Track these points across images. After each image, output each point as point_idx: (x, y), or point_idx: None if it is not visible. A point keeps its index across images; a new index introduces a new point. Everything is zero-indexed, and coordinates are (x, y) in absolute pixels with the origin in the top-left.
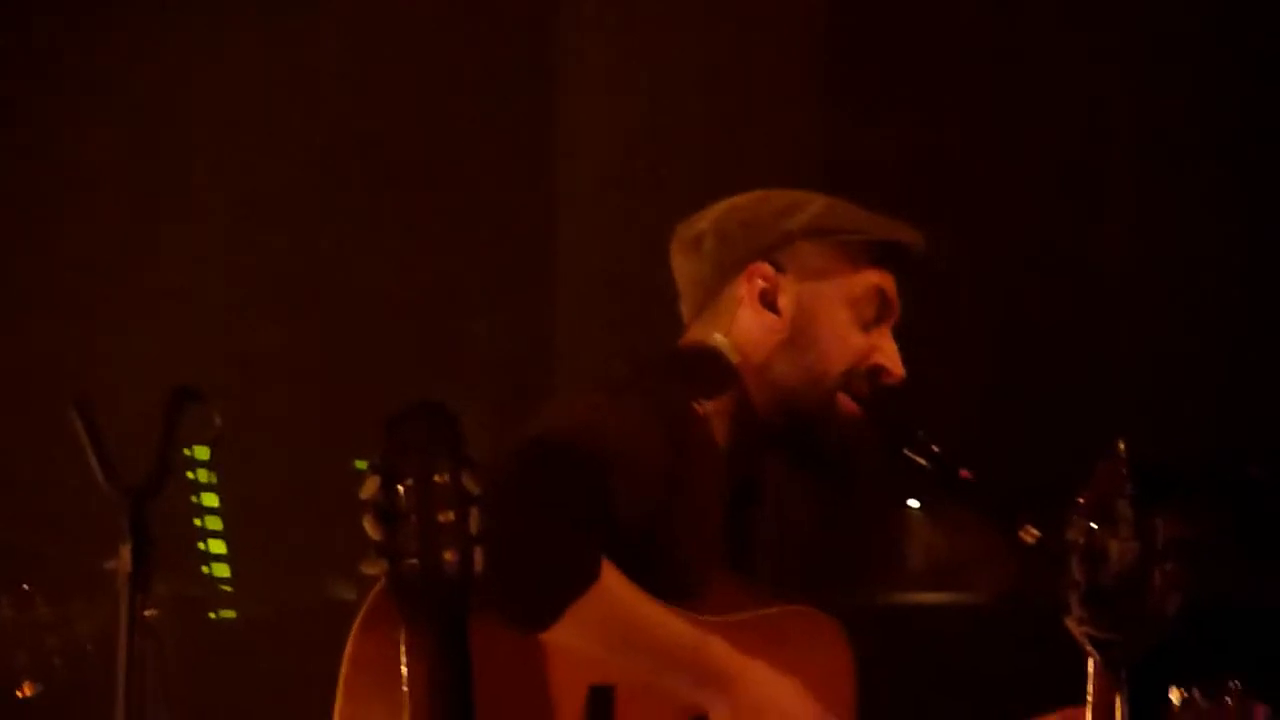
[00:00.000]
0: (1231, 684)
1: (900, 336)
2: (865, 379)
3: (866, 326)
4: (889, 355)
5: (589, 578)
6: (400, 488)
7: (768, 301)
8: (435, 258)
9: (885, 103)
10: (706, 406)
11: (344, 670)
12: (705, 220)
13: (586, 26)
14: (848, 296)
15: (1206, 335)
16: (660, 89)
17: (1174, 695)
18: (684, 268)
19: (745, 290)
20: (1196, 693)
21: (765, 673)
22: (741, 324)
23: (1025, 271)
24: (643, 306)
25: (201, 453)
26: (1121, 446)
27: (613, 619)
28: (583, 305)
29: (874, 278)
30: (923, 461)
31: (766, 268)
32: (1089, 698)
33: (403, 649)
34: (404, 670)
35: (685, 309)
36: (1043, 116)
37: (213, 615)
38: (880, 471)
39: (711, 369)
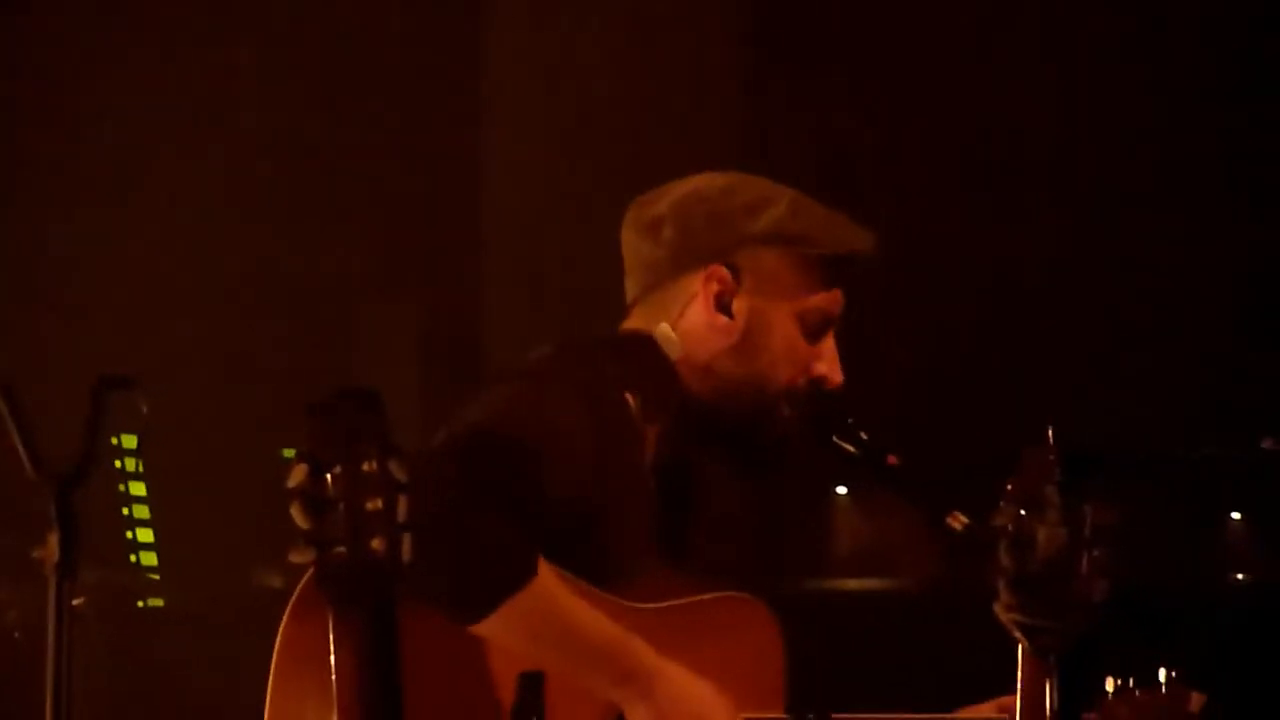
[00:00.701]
0: (1167, 672)
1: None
2: (805, 386)
3: (811, 337)
4: (830, 363)
5: (525, 575)
6: (328, 476)
7: (722, 305)
8: (361, 244)
9: (808, 88)
10: (638, 397)
11: (275, 660)
12: (665, 203)
13: (513, 11)
14: (800, 310)
15: (1132, 321)
16: (585, 72)
17: (1109, 684)
18: (637, 248)
19: (701, 289)
20: (1131, 681)
21: (682, 675)
22: (691, 320)
23: (951, 258)
24: (569, 289)
25: (129, 441)
26: (1049, 433)
27: (542, 616)
28: (509, 289)
29: (827, 300)
30: (851, 448)
31: (725, 272)
32: (1019, 684)
33: (330, 636)
34: (332, 659)
35: (630, 287)
36: (968, 103)
37: (141, 603)
38: (809, 461)
39: (648, 360)
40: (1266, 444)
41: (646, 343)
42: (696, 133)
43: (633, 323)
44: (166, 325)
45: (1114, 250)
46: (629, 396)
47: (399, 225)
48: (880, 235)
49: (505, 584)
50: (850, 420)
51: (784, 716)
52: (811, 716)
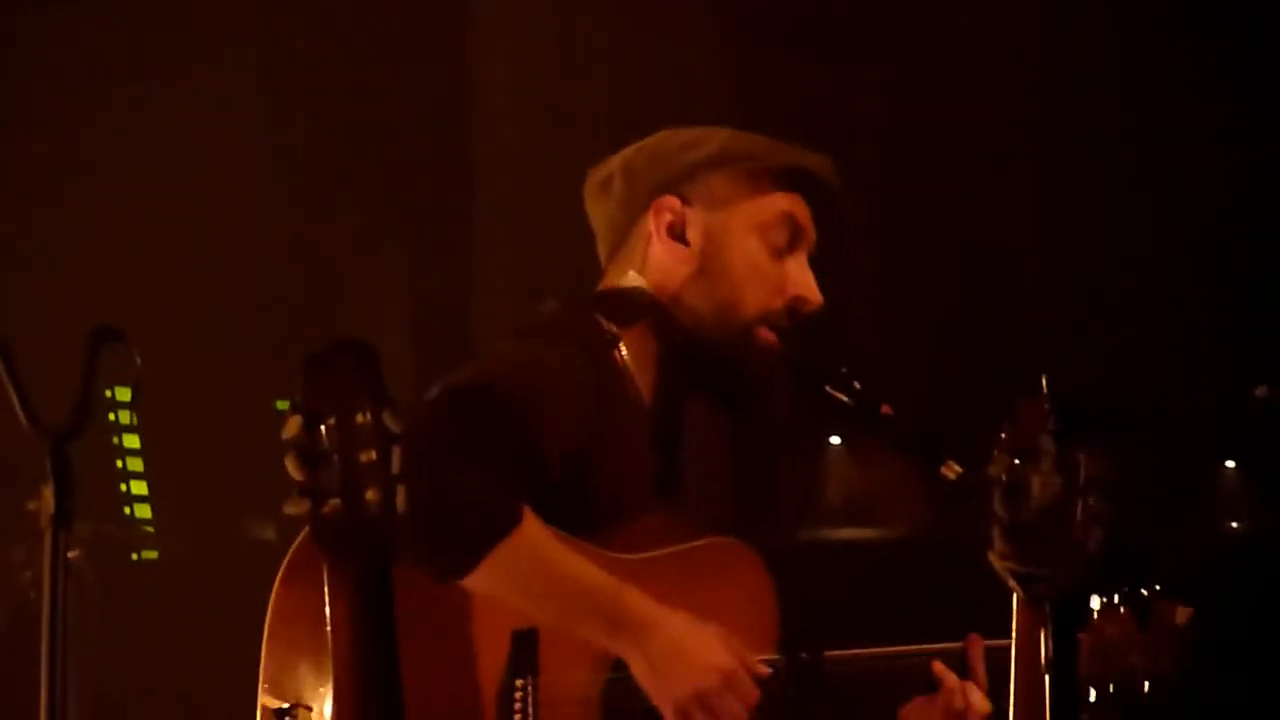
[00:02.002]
0: (1152, 588)
1: (822, 274)
2: (784, 311)
3: (780, 254)
4: (805, 284)
5: (509, 524)
6: (322, 428)
7: (676, 233)
8: (353, 199)
9: (797, 51)
10: (627, 347)
11: (268, 620)
12: (614, 162)
13: None
14: (757, 223)
15: (1129, 270)
16: (576, 33)
17: (1094, 602)
18: (596, 211)
19: (653, 224)
20: (1116, 598)
21: (680, 622)
22: (652, 259)
23: (944, 207)
24: (559, 245)
25: (124, 394)
26: (1043, 382)
27: (530, 567)
28: (499, 244)
29: (782, 203)
30: (845, 398)
31: (673, 200)
32: (1013, 633)
33: (325, 589)
34: (327, 611)
35: (601, 250)
36: (957, 58)
37: (135, 556)
38: (797, 405)
39: (630, 309)
40: (1259, 392)
41: (626, 294)
42: (686, 94)
43: (606, 281)
44: (162, 279)
45: (1109, 198)
46: (618, 349)
47: (390, 181)
48: (874, 186)
49: (488, 534)
50: (844, 370)
51: (777, 656)
52: (805, 654)
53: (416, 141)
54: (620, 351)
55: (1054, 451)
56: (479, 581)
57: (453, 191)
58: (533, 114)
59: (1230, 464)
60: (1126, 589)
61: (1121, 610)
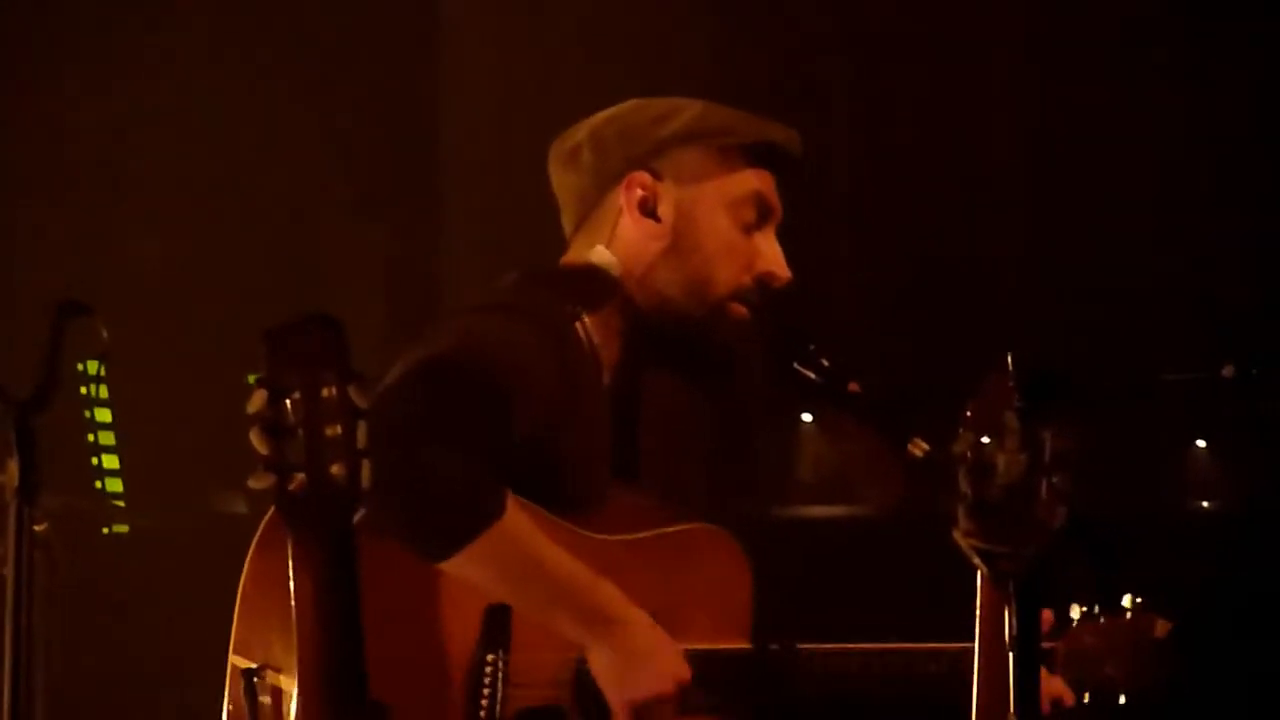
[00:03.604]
0: (1132, 598)
1: (790, 251)
2: (754, 286)
3: (749, 230)
4: (773, 258)
5: (493, 514)
6: (287, 402)
7: (647, 209)
8: (325, 172)
9: (771, 22)
10: (590, 323)
11: (241, 588)
12: (581, 132)
13: None
14: (727, 199)
15: (1098, 248)
16: (543, 3)
17: (1074, 611)
18: (563, 181)
19: (624, 199)
20: (1096, 608)
21: (647, 624)
22: (622, 234)
23: (912, 185)
24: (529, 215)
25: (94, 367)
26: (1009, 359)
27: (509, 554)
28: (468, 215)
29: (752, 180)
30: (812, 375)
31: (644, 176)
32: (978, 610)
33: (290, 563)
34: (291, 583)
35: (566, 222)
36: (932, 30)
37: (106, 530)
38: (768, 382)
39: (594, 286)
40: (1227, 371)
41: (589, 269)
42: (659, 62)
43: (572, 254)
44: (134, 252)
45: (1077, 175)
46: (581, 325)
47: (362, 154)
48: (845, 160)
49: (474, 523)
50: (811, 347)
51: (748, 646)
52: (775, 646)
53: (388, 114)
54: (583, 328)
55: (1019, 429)
56: (457, 566)
57: (424, 164)
58: (504, 85)
59: (1201, 443)
60: (1105, 599)
61: (1100, 620)
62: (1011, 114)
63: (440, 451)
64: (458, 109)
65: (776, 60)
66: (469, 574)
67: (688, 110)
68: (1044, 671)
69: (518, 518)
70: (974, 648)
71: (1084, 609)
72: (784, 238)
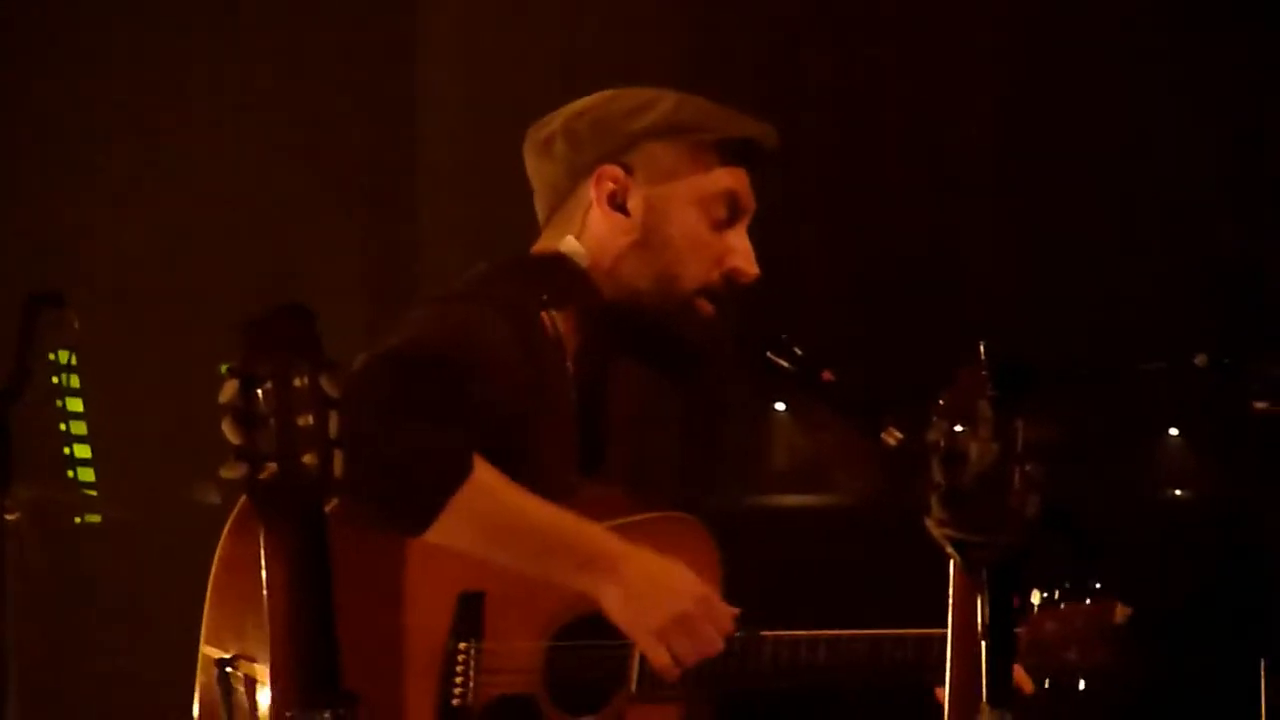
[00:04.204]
0: (1091, 584)
1: (763, 240)
2: (722, 282)
3: (719, 226)
4: (743, 255)
5: (463, 472)
6: (259, 391)
7: (617, 203)
8: (298, 161)
9: (750, 12)
10: (557, 314)
11: (213, 574)
12: (556, 121)
13: None
14: (698, 196)
15: (1071, 238)
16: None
17: (1034, 596)
18: (537, 169)
19: (595, 192)
20: (1057, 594)
21: (649, 553)
22: (592, 226)
23: (887, 173)
24: (505, 206)
25: (66, 358)
26: (982, 348)
27: (491, 511)
28: (446, 206)
29: (725, 179)
30: (786, 364)
31: (615, 169)
32: (950, 598)
33: (262, 552)
34: (264, 573)
35: (539, 209)
36: (906, 17)
37: (78, 519)
38: (742, 371)
39: (561, 276)
40: (1199, 360)
41: (557, 260)
42: (637, 51)
43: (542, 243)
44: (108, 242)
45: (1050, 164)
46: (547, 315)
47: (338, 144)
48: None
49: (444, 483)
50: (785, 336)
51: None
52: (739, 633)
53: (365, 105)
54: (549, 317)
55: (992, 418)
56: (442, 533)
57: (401, 155)
58: (481, 76)
59: (1175, 432)
60: (1067, 585)
61: (1061, 606)
62: (984, 104)
63: (403, 428)
64: (435, 100)
65: (750, 52)
66: (454, 539)
67: (662, 104)
68: None
69: (488, 473)
70: (940, 633)
71: (1044, 595)
72: (757, 227)
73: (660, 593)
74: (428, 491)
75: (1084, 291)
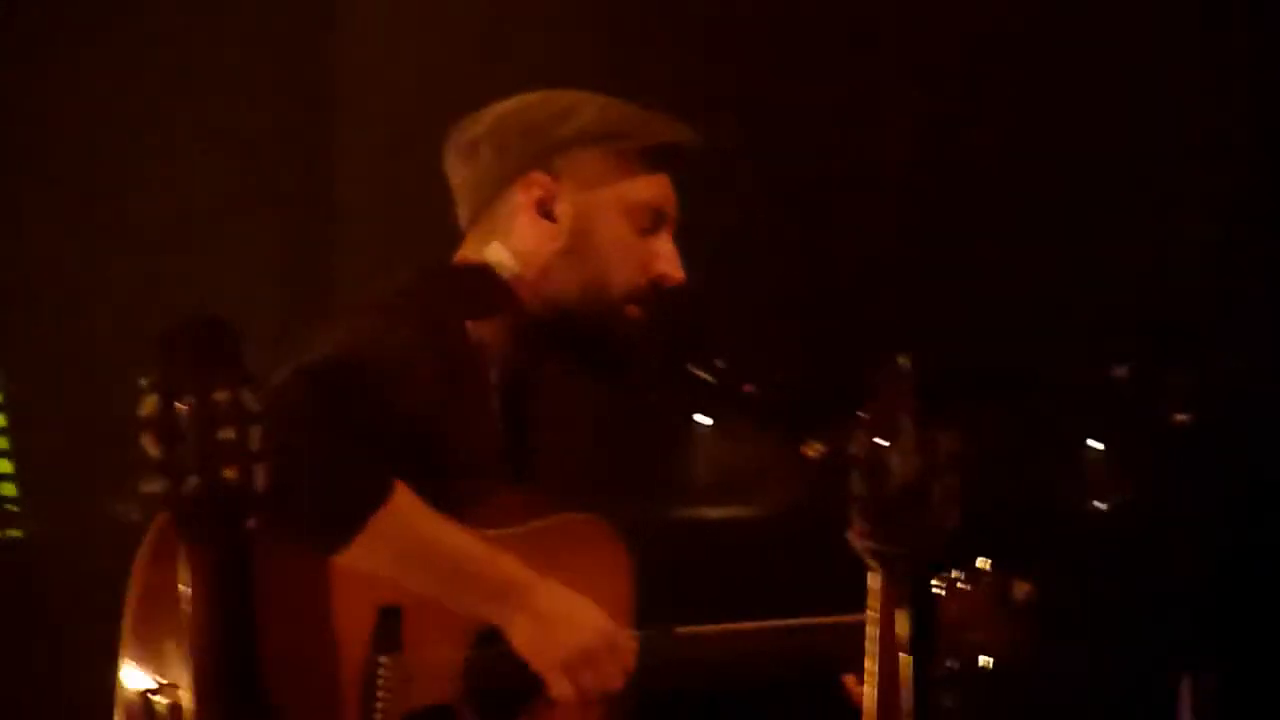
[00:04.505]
0: (982, 563)
1: (685, 252)
2: (648, 287)
3: (645, 233)
4: (669, 260)
5: (382, 495)
6: (179, 405)
7: (544, 210)
8: (215, 169)
9: (670, 16)
10: (481, 324)
11: (131, 603)
12: (480, 125)
13: None
14: (625, 204)
15: (991, 247)
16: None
17: (934, 583)
18: (460, 173)
19: (522, 199)
20: (953, 573)
21: (556, 585)
22: (519, 233)
23: (807, 183)
24: (425, 212)
25: None
26: (903, 360)
27: (405, 536)
28: (364, 214)
29: (649, 186)
30: (707, 376)
31: (543, 177)
32: (870, 611)
33: (181, 569)
34: (184, 590)
35: (461, 214)
36: (827, 22)
37: None
38: (663, 382)
39: (485, 287)
40: (1119, 373)
41: (481, 270)
42: (556, 56)
43: (466, 249)
44: (26, 255)
45: (972, 174)
46: (470, 325)
47: (254, 152)
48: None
49: (363, 505)
50: (706, 349)
51: (630, 629)
52: (652, 631)
53: (282, 112)
54: (472, 326)
55: (913, 430)
56: (356, 555)
57: (319, 163)
58: (400, 79)
59: (1096, 444)
60: (967, 566)
61: (961, 588)
62: (907, 113)
63: (322, 446)
64: (353, 104)
65: (674, 55)
66: (367, 562)
67: (587, 110)
68: None
69: (407, 499)
70: (851, 620)
71: (944, 582)
72: (678, 239)
73: (566, 626)
74: (346, 513)
75: (1006, 304)
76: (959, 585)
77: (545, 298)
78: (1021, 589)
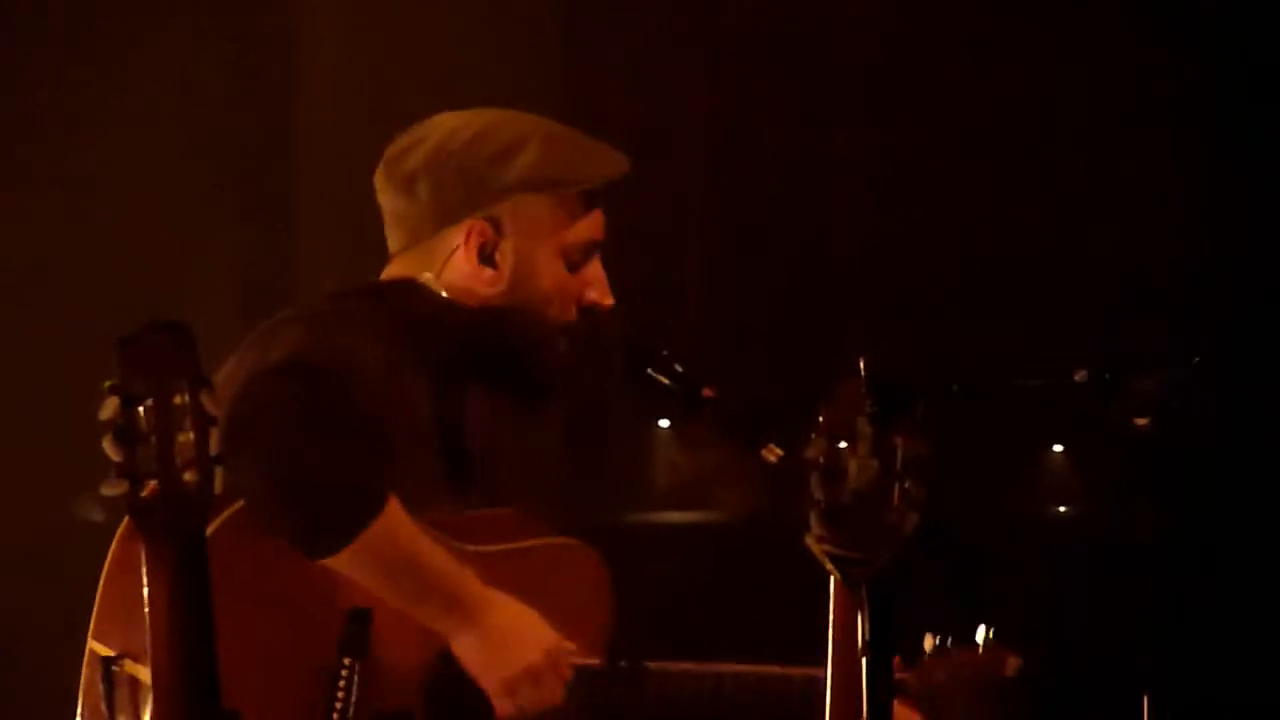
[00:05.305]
0: (985, 632)
1: (644, 257)
2: (579, 318)
3: (577, 266)
4: (599, 286)
5: (378, 507)
6: (140, 409)
7: (485, 256)
8: (175, 175)
9: (625, 35)
10: (410, 340)
11: (105, 570)
12: (418, 157)
13: None
14: (562, 247)
15: (948, 250)
16: (397, 10)
17: (927, 642)
18: (392, 202)
19: (463, 244)
20: (949, 640)
21: (509, 602)
22: (455, 272)
23: (762, 185)
24: (380, 220)
25: None
26: (861, 364)
27: (391, 550)
28: (322, 221)
29: (587, 228)
30: (666, 381)
31: (485, 225)
32: (830, 615)
33: (143, 569)
34: (145, 590)
35: (391, 238)
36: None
37: None
38: (616, 390)
39: (417, 304)
40: (1080, 376)
41: (414, 287)
42: (513, 71)
43: (395, 270)
44: None
45: (934, 169)
46: (408, 335)
47: (214, 158)
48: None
49: (362, 514)
50: (665, 353)
51: (597, 663)
52: (624, 664)
53: (241, 119)
54: (410, 338)
55: (871, 434)
56: (342, 561)
57: (278, 170)
58: (360, 90)
59: (1058, 448)
60: (958, 628)
61: (953, 654)
62: (861, 117)
63: (322, 449)
64: (312, 114)
65: (626, 63)
66: (352, 568)
67: (526, 151)
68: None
69: (398, 511)
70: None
71: (935, 640)
72: (637, 243)
73: (513, 644)
74: (343, 522)
75: (964, 307)
76: (951, 652)
77: (477, 324)
78: (1013, 665)
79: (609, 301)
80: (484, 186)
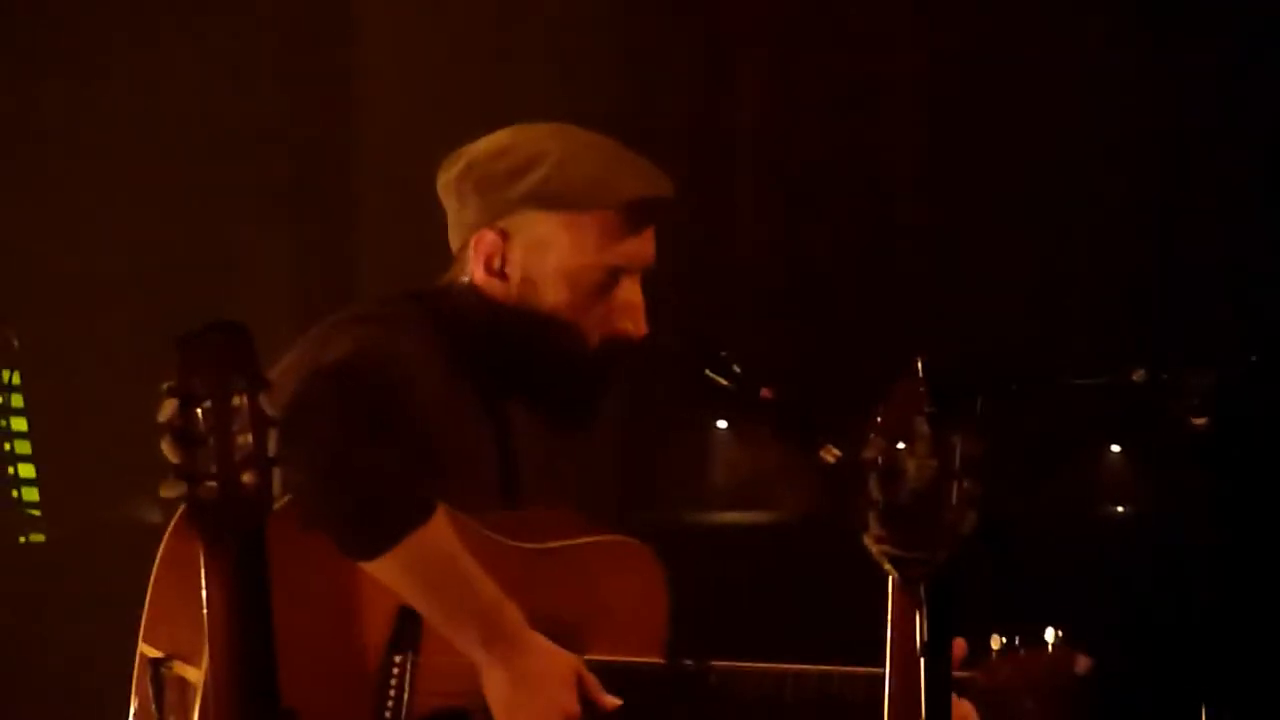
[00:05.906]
0: (1054, 632)
1: (702, 257)
2: (606, 343)
3: (603, 290)
4: (631, 314)
5: (428, 511)
6: (198, 410)
7: (492, 268)
8: (233, 177)
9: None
10: (461, 343)
11: (155, 571)
12: (457, 166)
13: None
14: (568, 270)
15: (1007, 250)
16: (455, 14)
17: (994, 642)
18: (447, 205)
19: (474, 253)
20: (1017, 640)
21: (545, 648)
22: (478, 279)
23: (822, 190)
24: (441, 223)
25: (8, 376)
26: (919, 364)
27: (434, 559)
28: (380, 223)
29: (619, 251)
30: (725, 382)
31: (491, 236)
32: (889, 615)
33: (201, 569)
34: (203, 592)
35: (451, 241)
36: (828, 30)
37: (22, 539)
38: (674, 390)
39: (466, 308)
40: (1138, 376)
41: (466, 291)
42: (571, 77)
43: (449, 274)
44: (50, 261)
45: (986, 181)
46: (454, 343)
47: (273, 160)
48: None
49: (408, 519)
50: (724, 353)
51: (662, 661)
52: (689, 662)
53: (301, 121)
54: (457, 350)
55: (929, 434)
56: (383, 566)
57: (337, 172)
58: (419, 90)
59: (1116, 447)
60: (1026, 629)
61: (1020, 653)
62: (918, 122)
63: (371, 452)
64: (371, 115)
65: (686, 52)
66: (392, 575)
67: (537, 171)
68: (954, 697)
69: (444, 523)
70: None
71: (1003, 640)
72: (696, 245)
73: (543, 693)
74: (388, 526)
75: (1022, 307)
76: (1019, 651)
77: (503, 330)
78: (1084, 664)
79: (641, 332)
80: (494, 198)
